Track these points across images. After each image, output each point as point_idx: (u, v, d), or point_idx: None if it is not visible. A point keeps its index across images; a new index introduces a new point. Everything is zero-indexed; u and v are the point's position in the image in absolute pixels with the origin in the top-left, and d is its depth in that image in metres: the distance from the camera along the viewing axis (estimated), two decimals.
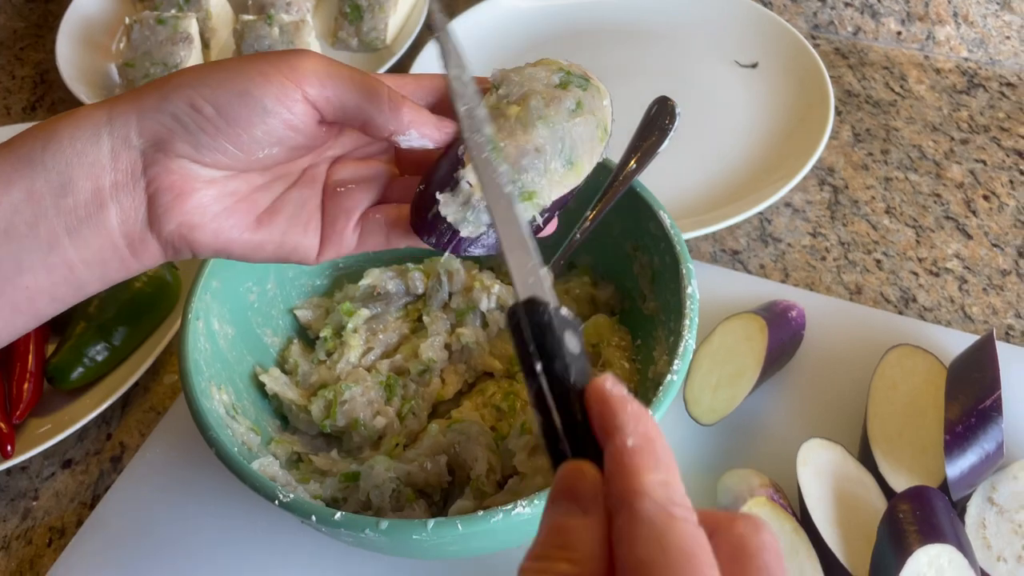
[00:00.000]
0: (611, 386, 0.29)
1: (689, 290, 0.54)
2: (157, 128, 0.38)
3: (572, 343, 0.31)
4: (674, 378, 0.50)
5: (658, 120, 0.59)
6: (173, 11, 0.91)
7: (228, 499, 0.62)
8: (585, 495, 0.27)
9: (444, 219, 0.43)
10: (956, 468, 0.54)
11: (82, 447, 0.67)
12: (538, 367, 0.30)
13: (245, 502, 0.62)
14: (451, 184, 0.42)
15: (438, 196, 0.43)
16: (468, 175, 0.42)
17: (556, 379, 0.30)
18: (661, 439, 0.28)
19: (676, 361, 0.51)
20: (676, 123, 0.58)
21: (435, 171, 0.44)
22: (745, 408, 0.62)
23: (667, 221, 0.58)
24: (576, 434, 0.29)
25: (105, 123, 0.38)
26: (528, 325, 0.30)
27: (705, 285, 0.70)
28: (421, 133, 0.42)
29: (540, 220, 0.45)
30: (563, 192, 0.45)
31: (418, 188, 0.44)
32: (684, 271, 0.55)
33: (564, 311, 0.31)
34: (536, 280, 0.33)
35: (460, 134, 0.42)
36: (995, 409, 0.55)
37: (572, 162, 0.44)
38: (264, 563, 0.59)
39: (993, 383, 0.56)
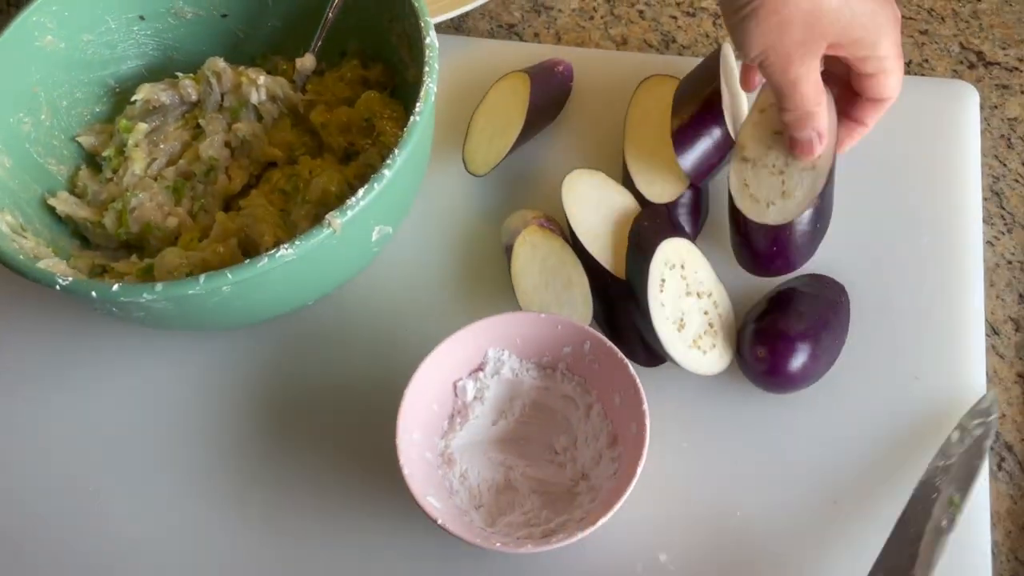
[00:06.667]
0: None
1: (428, 40, 0.57)
2: None
3: None
4: (416, 119, 0.54)
5: None
6: None
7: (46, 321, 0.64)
8: None
9: None
10: (687, 159, 0.60)
11: None
12: None
13: (69, 322, 0.64)
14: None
15: None
16: None
17: None
18: None
19: (419, 104, 0.55)
20: None
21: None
22: (520, 158, 0.66)
23: None
24: None
25: None
26: None
27: (484, 58, 0.74)
28: None
29: None
30: None
31: None
32: (423, 24, 0.58)
33: None
34: None
35: None
36: (715, 95, 0.60)
37: None
38: (98, 375, 0.63)
39: (713, 79, 0.61)
